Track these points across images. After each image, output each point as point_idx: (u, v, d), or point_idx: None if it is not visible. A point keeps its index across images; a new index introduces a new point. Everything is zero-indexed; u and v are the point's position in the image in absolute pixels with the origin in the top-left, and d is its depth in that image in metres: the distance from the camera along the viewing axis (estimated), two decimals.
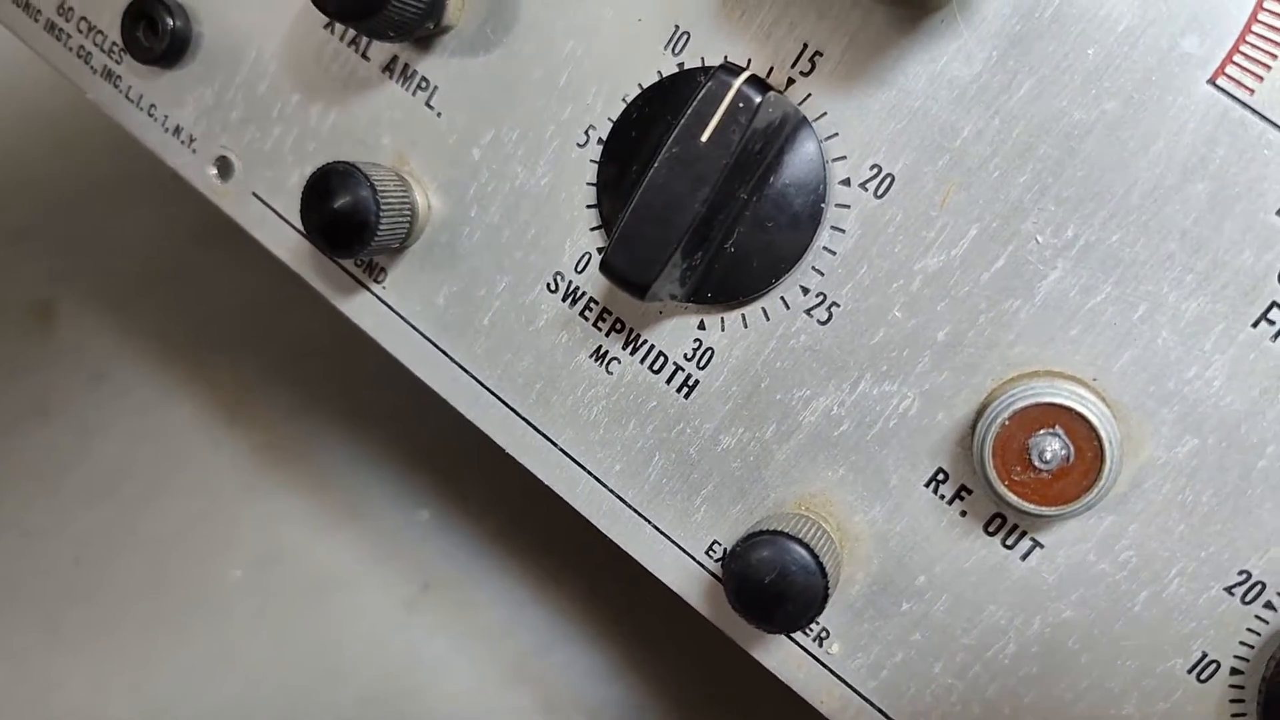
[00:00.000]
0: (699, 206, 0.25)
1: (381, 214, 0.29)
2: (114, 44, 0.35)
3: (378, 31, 0.29)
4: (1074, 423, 0.24)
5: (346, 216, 0.29)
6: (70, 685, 0.50)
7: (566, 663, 0.53)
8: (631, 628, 0.53)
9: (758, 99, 0.25)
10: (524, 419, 0.31)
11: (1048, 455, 0.24)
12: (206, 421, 0.57)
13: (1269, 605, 0.25)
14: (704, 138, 0.25)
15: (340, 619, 0.54)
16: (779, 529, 0.26)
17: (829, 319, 0.28)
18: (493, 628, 0.53)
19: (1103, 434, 0.24)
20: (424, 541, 0.55)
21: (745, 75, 0.25)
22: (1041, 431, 0.24)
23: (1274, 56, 0.24)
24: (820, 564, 0.25)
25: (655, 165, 0.26)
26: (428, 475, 0.56)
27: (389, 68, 0.32)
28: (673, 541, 0.30)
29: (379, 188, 0.29)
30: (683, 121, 0.25)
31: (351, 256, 0.30)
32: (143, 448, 0.56)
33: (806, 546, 0.25)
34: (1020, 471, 0.25)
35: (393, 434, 0.56)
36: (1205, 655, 0.26)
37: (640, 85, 0.29)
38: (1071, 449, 0.24)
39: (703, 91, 0.25)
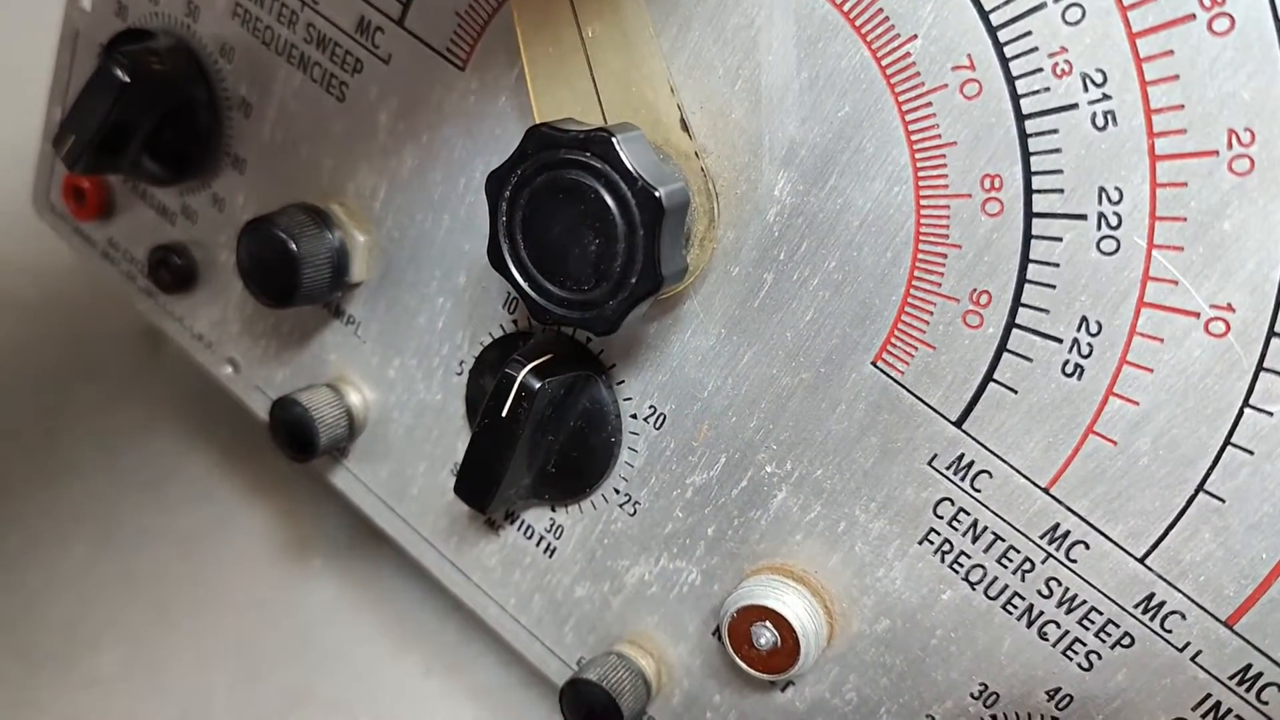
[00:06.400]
0: (508, 460, 0.35)
1: (320, 432, 0.40)
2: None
3: (299, 305, 0.39)
4: (778, 619, 0.33)
5: (297, 434, 0.40)
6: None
7: None
8: None
9: (537, 385, 0.34)
10: (449, 560, 0.42)
11: (762, 641, 0.33)
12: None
13: None
14: (503, 414, 0.34)
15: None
16: (588, 677, 0.36)
17: (635, 512, 0.37)
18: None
19: (798, 629, 0.33)
20: (441, 621, 0.54)
21: (529, 368, 0.34)
22: (757, 624, 0.33)
23: (914, 348, 0.30)
24: (617, 705, 0.35)
25: (475, 430, 0.35)
26: None
27: (328, 305, 0.42)
28: (555, 654, 0.41)
29: (316, 415, 0.40)
30: (487, 402, 0.34)
31: (308, 460, 0.41)
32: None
33: (605, 691, 0.35)
34: (747, 649, 0.34)
35: None
36: None
37: (491, 335, 0.38)
38: (778, 637, 0.33)
39: (499, 380, 0.34)
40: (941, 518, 0.31)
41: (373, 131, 0.38)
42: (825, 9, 0.29)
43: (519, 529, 0.40)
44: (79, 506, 0.54)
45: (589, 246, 0.29)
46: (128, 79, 0.39)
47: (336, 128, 0.39)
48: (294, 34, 0.39)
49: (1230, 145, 0.26)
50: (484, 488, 0.35)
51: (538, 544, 0.40)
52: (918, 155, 0.29)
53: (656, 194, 0.28)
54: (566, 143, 0.29)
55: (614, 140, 0.28)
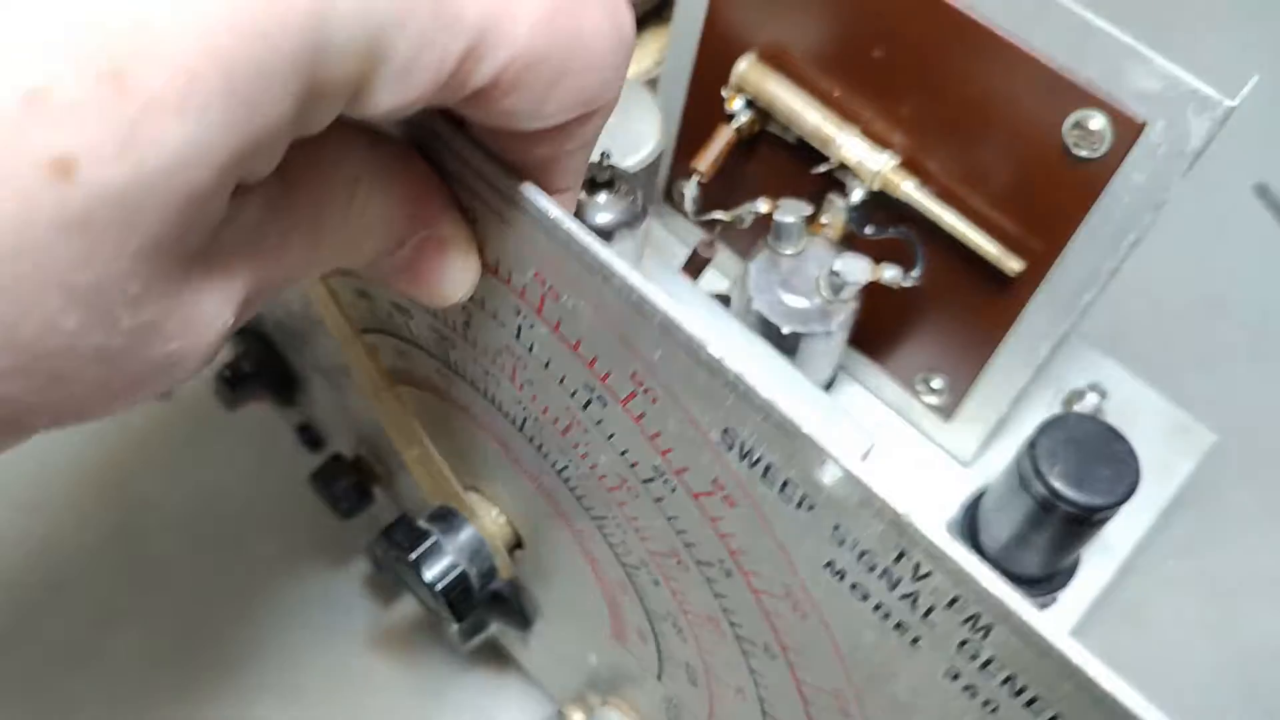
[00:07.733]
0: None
1: None
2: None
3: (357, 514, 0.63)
4: None
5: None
6: None
7: None
8: None
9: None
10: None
11: None
12: None
13: None
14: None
15: None
16: None
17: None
18: None
19: None
20: None
21: None
22: None
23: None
24: None
25: None
26: None
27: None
28: (549, 693, 0.66)
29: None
30: None
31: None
32: None
33: None
34: None
35: None
36: None
37: None
38: None
39: None
40: None
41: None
42: None
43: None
44: None
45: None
46: (233, 377, 0.64)
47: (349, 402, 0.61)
48: (305, 358, 0.60)
49: None
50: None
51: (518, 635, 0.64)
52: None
53: (437, 588, 0.48)
54: (406, 544, 0.49)
55: (415, 560, 0.48)
